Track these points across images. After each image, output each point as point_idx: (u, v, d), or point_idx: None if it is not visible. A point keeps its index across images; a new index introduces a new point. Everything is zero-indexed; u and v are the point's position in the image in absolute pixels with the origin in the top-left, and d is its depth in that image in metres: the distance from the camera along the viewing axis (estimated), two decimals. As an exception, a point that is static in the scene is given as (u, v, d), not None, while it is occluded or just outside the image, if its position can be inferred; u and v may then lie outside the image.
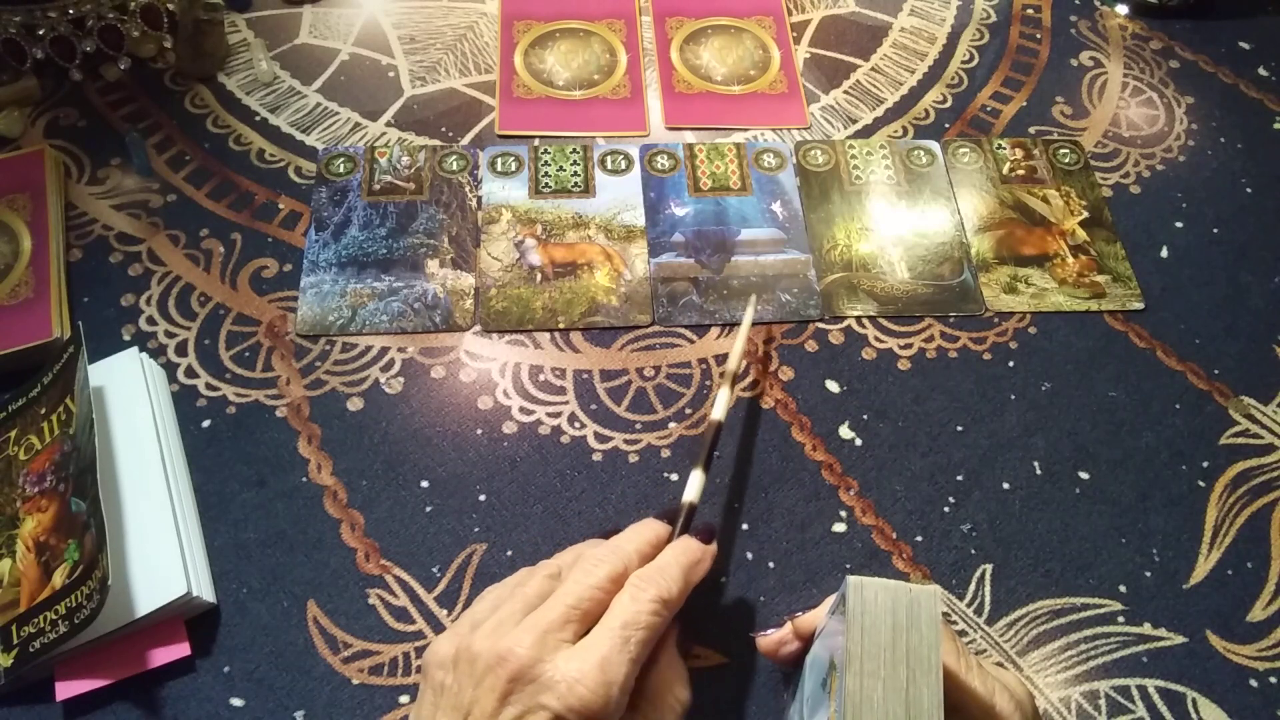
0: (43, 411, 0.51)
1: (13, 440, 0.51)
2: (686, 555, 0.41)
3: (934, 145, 0.69)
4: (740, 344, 0.53)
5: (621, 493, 0.53)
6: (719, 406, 0.49)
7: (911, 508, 0.54)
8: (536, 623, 0.37)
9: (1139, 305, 0.62)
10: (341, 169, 0.65)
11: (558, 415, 0.56)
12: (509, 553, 0.51)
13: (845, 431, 0.56)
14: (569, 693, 0.35)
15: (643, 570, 0.40)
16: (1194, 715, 0.48)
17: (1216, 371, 0.59)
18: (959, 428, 0.57)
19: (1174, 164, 0.69)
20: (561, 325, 0.59)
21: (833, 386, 0.58)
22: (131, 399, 0.53)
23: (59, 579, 0.45)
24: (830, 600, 0.42)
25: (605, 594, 0.39)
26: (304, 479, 0.53)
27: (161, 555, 0.47)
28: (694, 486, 0.46)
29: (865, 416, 0.57)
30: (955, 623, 0.50)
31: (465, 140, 0.67)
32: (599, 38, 0.74)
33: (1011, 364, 0.59)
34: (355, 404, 0.56)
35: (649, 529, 0.43)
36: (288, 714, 0.46)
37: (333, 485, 0.53)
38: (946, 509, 0.54)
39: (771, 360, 0.59)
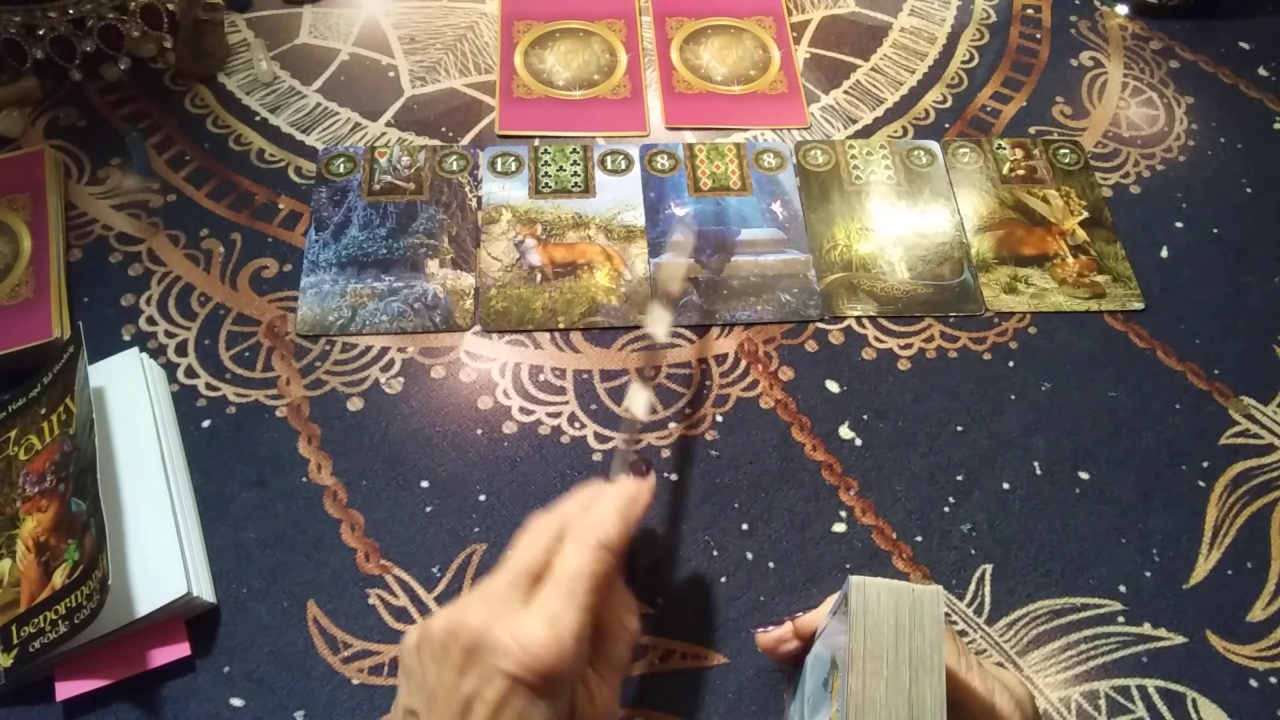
0: (43, 411, 0.51)
1: (13, 440, 0.51)
2: (620, 497, 0.41)
3: (934, 145, 0.69)
4: (680, 267, 0.56)
5: (621, 493, 0.53)
6: (658, 326, 0.53)
7: (911, 508, 0.54)
8: (485, 593, 0.38)
9: (1139, 305, 0.62)
10: (341, 169, 0.65)
11: (558, 415, 0.56)
12: (509, 553, 0.51)
13: (845, 431, 0.56)
14: (522, 653, 0.35)
15: (579, 521, 0.40)
16: (1194, 715, 0.48)
17: (1216, 371, 0.59)
18: (959, 428, 0.57)
19: (1174, 164, 0.69)
20: (561, 325, 0.59)
21: (833, 386, 0.58)
22: (131, 399, 0.53)
23: (59, 579, 0.45)
24: (831, 600, 0.42)
25: (551, 554, 0.39)
26: (304, 479, 0.53)
27: (161, 555, 0.47)
28: (639, 400, 0.48)
29: (865, 416, 0.57)
30: (955, 623, 0.50)
31: (465, 140, 0.67)
32: (599, 38, 0.74)
33: (1011, 364, 0.59)
34: (355, 404, 0.56)
35: (591, 489, 0.43)
36: (287, 714, 0.46)
37: (333, 485, 0.53)
38: (946, 509, 0.54)
39: (771, 360, 0.59)
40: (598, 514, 0.40)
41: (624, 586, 0.42)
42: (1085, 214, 0.66)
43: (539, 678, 0.35)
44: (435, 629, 0.37)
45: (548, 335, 0.59)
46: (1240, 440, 0.57)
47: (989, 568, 0.52)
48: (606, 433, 0.55)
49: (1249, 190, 0.68)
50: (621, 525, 0.40)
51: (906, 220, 0.65)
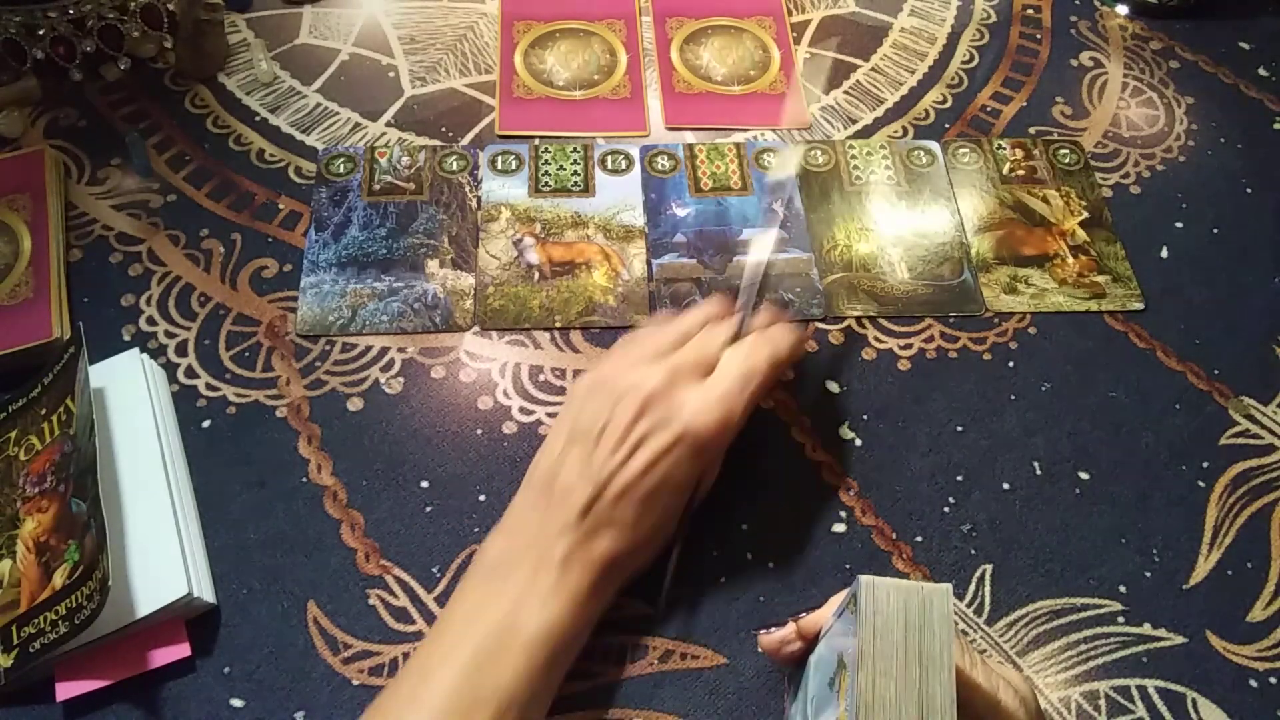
0: (43, 412, 0.51)
1: (13, 441, 0.51)
2: (796, 330, 0.50)
3: (934, 145, 0.69)
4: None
5: (622, 493, 0.53)
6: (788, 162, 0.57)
7: (911, 508, 0.54)
8: (670, 363, 0.46)
9: (1139, 305, 0.62)
10: (341, 169, 0.65)
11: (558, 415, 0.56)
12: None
13: (845, 431, 0.56)
14: (693, 418, 0.44)
15: (761, 333, 0.49)
16: (1194, 715, 0.48)
17: (1216, 371, 0.60)
18: (959, 428, 0.57)
19: (1174, 164, 0.69)
20: (558, 324, 0.59)
21: (833, 386, 0.58)
22: (132, 400, 0.53)
23: (59, 579, 0.45)
24: (836, 600, 0.42)
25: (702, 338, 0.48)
26: (304, 479, 0.53)
27: (162, 556, 0.47)
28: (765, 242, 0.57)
29: (865, 416, 0.57)
30: (956, 623, 0.50)
31: (465, 140, 0.67)
32: (599, 38, 0.74)
33: (1011, 364, 0.59)
34: (355, 404, 0.56)
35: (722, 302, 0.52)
36: (288, 715, 0.46)
37: (333, 485, 0.53)
38: (946, 509, 0.54)
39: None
40: (776, 333, 0.49)
41: None
42: (1085, 214, 0.66)
43: (702, 443, 0.44)
44: (615, 377, 0.46)
45: (548, 335, 0.59)
46: (1240, 440, 0.57)
47: (989, 568, 0.52)
48: (607, 433, 0.55)
49: (1249, 190, 0.68)
50: (789, 352, 0.49)
51: (906, 220, 0.65)
